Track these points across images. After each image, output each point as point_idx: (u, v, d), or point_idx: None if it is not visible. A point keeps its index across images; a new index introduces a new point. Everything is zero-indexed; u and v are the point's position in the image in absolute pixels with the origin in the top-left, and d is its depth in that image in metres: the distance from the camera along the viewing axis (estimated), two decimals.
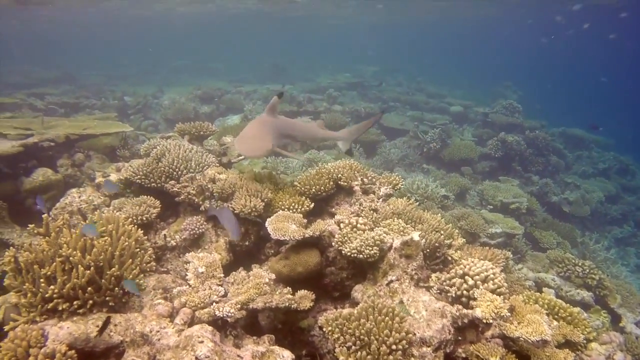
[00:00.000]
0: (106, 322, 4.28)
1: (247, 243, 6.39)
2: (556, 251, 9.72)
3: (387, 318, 4.10)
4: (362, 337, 4.00)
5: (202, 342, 3.71)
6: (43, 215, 5.36)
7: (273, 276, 4.93)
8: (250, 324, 5.18)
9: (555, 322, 5.14)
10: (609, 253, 14.34)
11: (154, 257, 5.55)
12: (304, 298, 4.95)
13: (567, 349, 4.70)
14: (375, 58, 50.82)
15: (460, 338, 4.53)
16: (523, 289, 6.65)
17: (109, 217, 5.56)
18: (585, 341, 5.07)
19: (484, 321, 4.30)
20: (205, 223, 6.38)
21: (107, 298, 4.83)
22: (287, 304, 4.86)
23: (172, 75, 37.61)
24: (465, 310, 4.47)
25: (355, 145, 14.60)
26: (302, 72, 39.30)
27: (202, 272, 4.82)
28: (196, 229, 6.24)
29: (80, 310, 4.61)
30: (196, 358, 3.59)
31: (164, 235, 6.18)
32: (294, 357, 4.23)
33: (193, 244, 6.21)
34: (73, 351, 3.93)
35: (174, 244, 6.09)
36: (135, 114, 21.09)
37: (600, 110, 48.02)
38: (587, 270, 8.86)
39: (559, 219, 14.68)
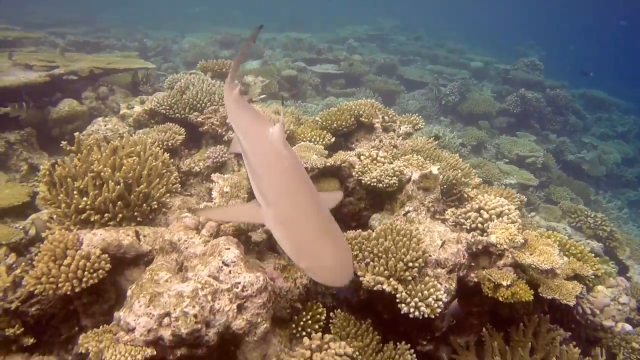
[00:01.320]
0: (136, 233, 4.52)
1: None
2: (569, 202, 9.82)
3: (404, 239, 4.28)
4: (380, 254, 4.18)
5: (228, 249, 3.91)
6: (75, 134, 5.55)
7: None
8: (272, 246, 5.41)
9: (565, 258, 5.29)
10: (622, 212, 14.42)
11: (179, 179, 5.74)
12: None
13: (578, 283, 4.86)
14: (396, 12, 49.65)
15: (473, 264, 4.71)
16: (536, 230, 6.79)
17: (137, 139, 5.74)
18: (593, 276, 5.22)
19: (498, 246, 4.46)
20: (227, 152, 6.54)
21: (135, 213, 5.06)
22: None
23: (190, 22, 37.22)
24: (480, 237, 4.63)
25: (373, 94, 14.56)
26: (320, 24, 38.65)
27: (227, 192, 5.01)
28: (219, 157, 6.42)
29: (111, 223, 4.85)
30: (223, 262, 3.80)
31: (189, 162, 6.38)
32: None
33: (216, 172, 6.39)
34: (106, 255, 4.17)
35: (198, 169, 6.28)
36: (155, 57, 21.07)
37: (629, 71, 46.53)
38: (599, 222, 8.98)
39: (573, 178, 14.70)
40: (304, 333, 4.17)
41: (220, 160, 6.42)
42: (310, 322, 4.26)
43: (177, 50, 23.40)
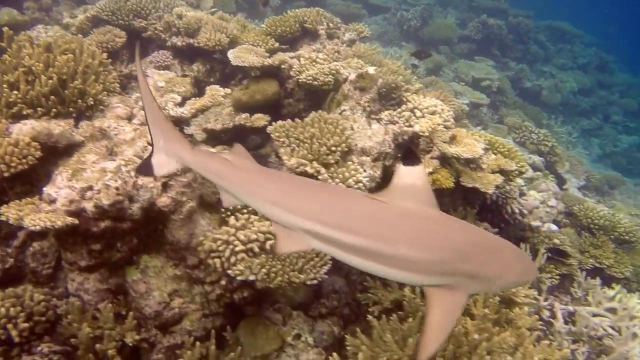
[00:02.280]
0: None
1: (211, 80, 6.56)
2: (515, 118, 10.11)
3: (331, 126, 4.43)
4: (305, 140, 4.33)
5: None
6: (4, 29, 5.40)
7: (229, 91, 5.16)
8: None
9: (493, 155, 5.55)
10: (571, 137, 14.90)
11: (118, 80, 5.71)
12: (259, 119, 5.24)
13: (499, 175, 5.13)
14: None
15: (399, 155, 4.91)
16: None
17: (73, 38, 5.63)
18: (517, 172, 5.50)
19: (420, 134, 4.66)
20: (171, 57, 6.49)
21: (71, 109, 5.05)
22: (242, 122, 5.16)
23: None
24: (405, 128, 4.81)
25: (335, 16, 14.30)
26: None
27: (162, 87, 5.04)
28: (162, 62, 6.38)
29: (44, 118, 4.84)
30: (148, 142, 3.90)
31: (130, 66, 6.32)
32: None
33: None
34: (36, 143, 4.20)
35: None
36: None
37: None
38: (542, 138, 9.32)
39: (529, 104, 15.00)
40: (233, 217, 4.35)
41: (163, 64, 6.38)
42: (240, 206, 4.43)
43: None
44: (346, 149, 4.37)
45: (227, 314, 4.46)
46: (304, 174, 4.24)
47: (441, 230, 2.48)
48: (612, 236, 7.23)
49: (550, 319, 5.93)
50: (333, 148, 4.26)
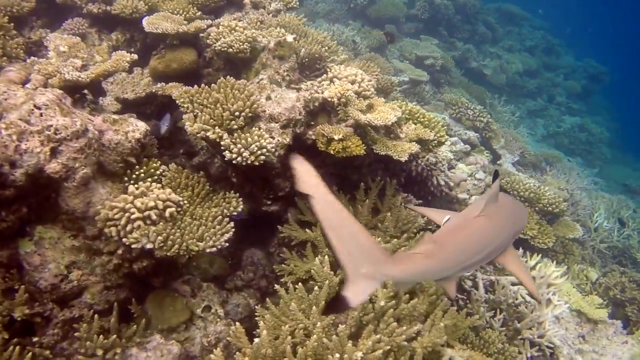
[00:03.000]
0: None
1: (132, 49, 6.28)
2: (451, 94, 10.18)
3: (237, 92, 4.29)
4: (209, 105, 4.19)
5: (43, 94, 3.77)
6: None
7: (135, 56, 4.95)
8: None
9: (413, 125, 5.53)
10: (514, 116, 15.18)
11: (23, 47, 5.40)
12: (173, 87, 5.06)
13: (415, 144, 5.11)
14: None
15: (312, 123, 4.83)
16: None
17: None
18: (436, 142, 5.50)
19: (330, 100, 4.58)
20: (87, 25, 6.19)
21: None
22: (154, 90, 4.96)
23: None
24: (316, 94, 4.72)
25: None
26: None
27: (64, 52, 4.78)
28: (76, 29, 6.07)
29: None
30: (34, 105, 3.68)
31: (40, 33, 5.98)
32: (148, 129, 4.39)
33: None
34: None
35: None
36: None
37: None
38: (477, 114, 9.41)
39: (473, 83, 15.17)
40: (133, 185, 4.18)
41: (78, 32, 6.07)
42: (143, 175, 4.27)
43: None
44: (250, 115, 4.24)
45: (133, 287, 4.31)
46: (207, 139, 4.11)
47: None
48: (536, 208, 7.38)
49: (472, 289, 6.01)
50: (237, 113, 4.13)
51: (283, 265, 4.83)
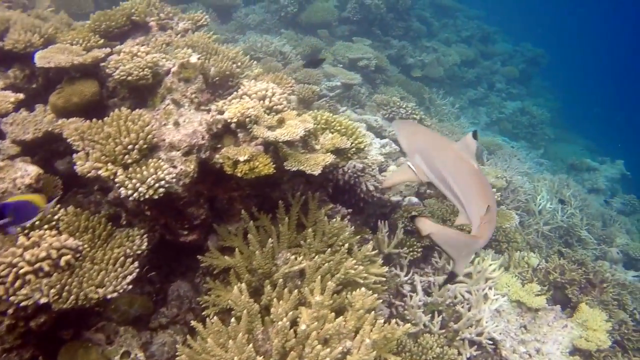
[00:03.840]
0: None
1: (34, 86, 5.97)
2: (382, 95, 10.16)
3: (130, 123, 4.07)
4: (100, 141, 3.96)
5: None
6: None
7: (21, 96, 4.67)
8: None
9: (330, 135, 5.41)
10: (454, 108, 15.35)
11: None
12: (71, 123, 4.79)
13: (331, 154, 4.99)
14: None
15: (219, 146, 4.64)
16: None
17: None
18: (354, 149, 5.39)
19: (229, 120, 4.41)
20: None
21: None
22: (51, 129, 4.70)
23: None
24: (218, 116, 4.54)
25: (207, 9, 13.82)
26: None
27: None
28: None
29: None
30: None
31: None
32: (41, 172, 4.13)
33: None
34: None
35: None
36: None
37: None
38: (410, 111, 9.41)
39: (411, 80, 15.27)
40: (29, 234, 3.90)
41: None
42: (38, 223, 3.99)
43: None
44: (146, 146, 4.03)
45: (40, 344, 4.02)
46: (99, 179, 3.87)
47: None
48: None
49: (411, 294, 5.93)
50: (130, 146, 3.91)
51: (205, 297, 4.63)
